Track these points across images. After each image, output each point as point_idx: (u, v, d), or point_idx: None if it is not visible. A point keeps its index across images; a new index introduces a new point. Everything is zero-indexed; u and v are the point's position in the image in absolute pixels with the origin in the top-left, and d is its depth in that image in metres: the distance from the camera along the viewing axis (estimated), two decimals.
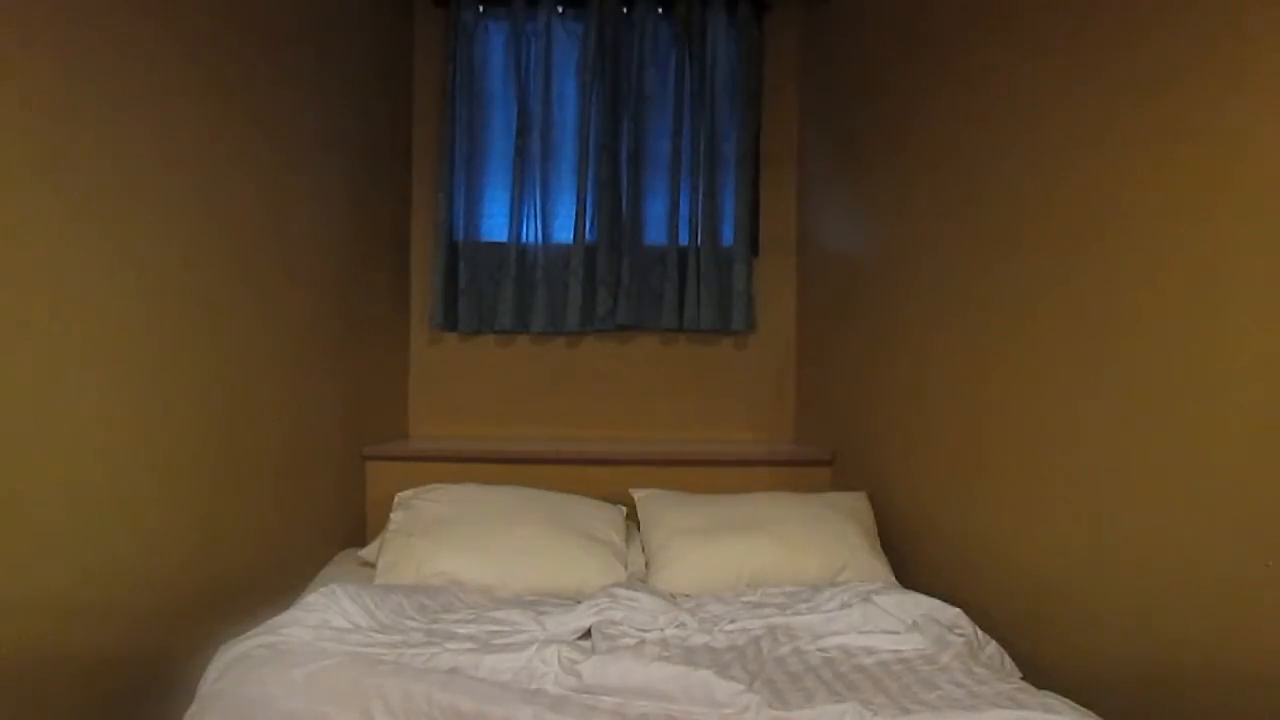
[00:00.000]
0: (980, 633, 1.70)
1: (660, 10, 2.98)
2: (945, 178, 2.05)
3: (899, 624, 1.72)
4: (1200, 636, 1.27)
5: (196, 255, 1.72)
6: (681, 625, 1.76)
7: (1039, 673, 1.59)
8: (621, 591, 1.88)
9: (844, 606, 1.82)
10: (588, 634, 1.72)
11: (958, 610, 1.74)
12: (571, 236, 2.94)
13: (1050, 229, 1.63)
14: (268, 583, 1.96)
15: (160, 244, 1.60)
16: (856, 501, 2.41)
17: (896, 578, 2.15)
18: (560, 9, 2.95)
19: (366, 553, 2.31)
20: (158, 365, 1.61)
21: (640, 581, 2.14)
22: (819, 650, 1.64)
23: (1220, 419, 1.24)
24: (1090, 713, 1.31)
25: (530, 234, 2.96)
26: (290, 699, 1.29)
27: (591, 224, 2.94)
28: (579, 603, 1.87)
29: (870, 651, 1.62)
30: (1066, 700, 1.35)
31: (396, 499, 2.37)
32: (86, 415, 1.42)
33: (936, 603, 1.79)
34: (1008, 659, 1.66)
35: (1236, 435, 1.21)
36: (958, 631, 1.69)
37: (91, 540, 1.43)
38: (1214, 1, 1.25)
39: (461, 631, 1.67)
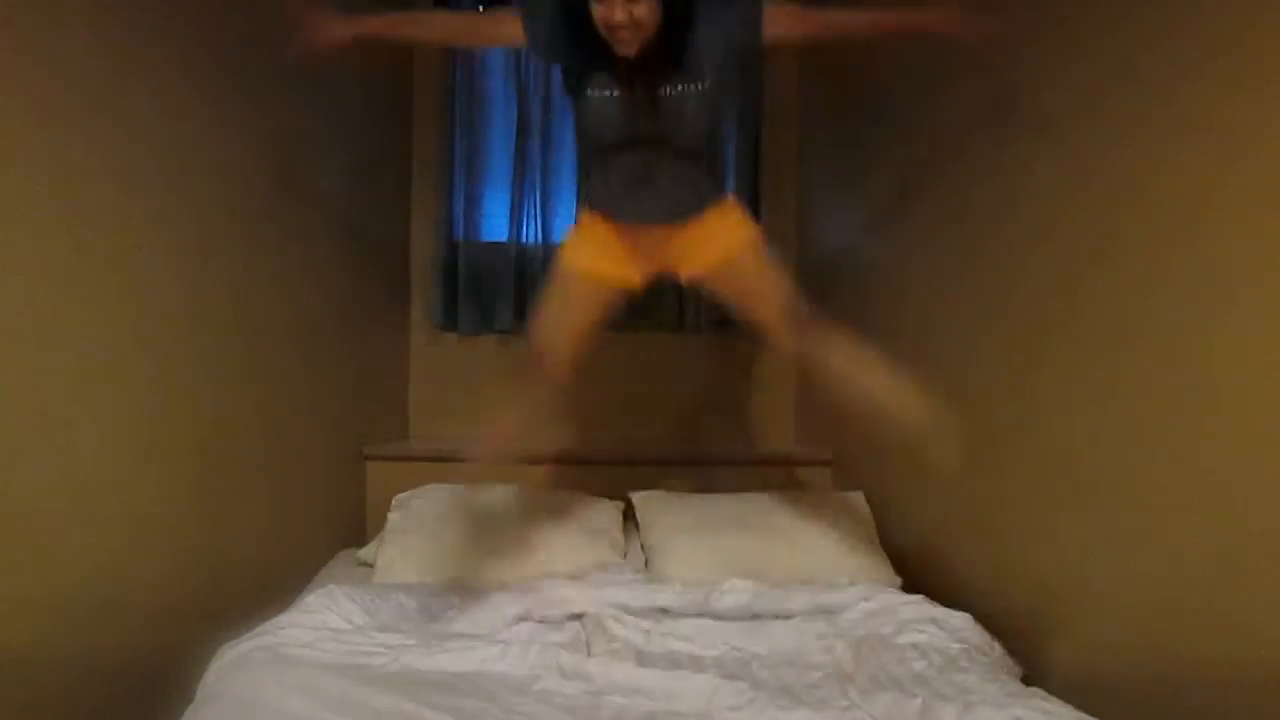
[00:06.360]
0: (984, 632, 1.69)
1: None
2: (946, 178, 2.05)
3: (900, 626, 1.72)
4: (1200, 641, 1.27)
5: (195, 255, 1.72)
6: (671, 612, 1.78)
7: (1041, 673, 1.58)
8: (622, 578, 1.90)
9: (844, 609, 1.82)
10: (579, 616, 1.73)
11: (964, 615, 1.73)
12: None
13: (1053, 230, 1.62)
14: (267, 583, 1.96)
15: (159, 245, 1.60)
16: (856, 501, 2.41)
17: (896, 576, 2.15)
18: None
19: (365, 553, 2.31)
20: (158, 365, 1.60)
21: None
22: (823, 650, 1.64)
23: (1218, 425, 1.23)
24: (1088, 717, 1.30)
25: (530, 234, 2.95)
26: (287, 701, 1.28)
27: None
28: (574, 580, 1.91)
29: (870, 651, 1.62)
30: (1060, 700, 1.35)
31: (394, 501, 2.37)
32: (87, 416, 1.41)
33: (942, 610, 1.77)
34: (1009, 660, 1.65)
35: (1234, 441, 1.21)
36: (960, 636, 1.69)
37: (91, 540, 1.43)
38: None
39: (462, 631, 1.66)
